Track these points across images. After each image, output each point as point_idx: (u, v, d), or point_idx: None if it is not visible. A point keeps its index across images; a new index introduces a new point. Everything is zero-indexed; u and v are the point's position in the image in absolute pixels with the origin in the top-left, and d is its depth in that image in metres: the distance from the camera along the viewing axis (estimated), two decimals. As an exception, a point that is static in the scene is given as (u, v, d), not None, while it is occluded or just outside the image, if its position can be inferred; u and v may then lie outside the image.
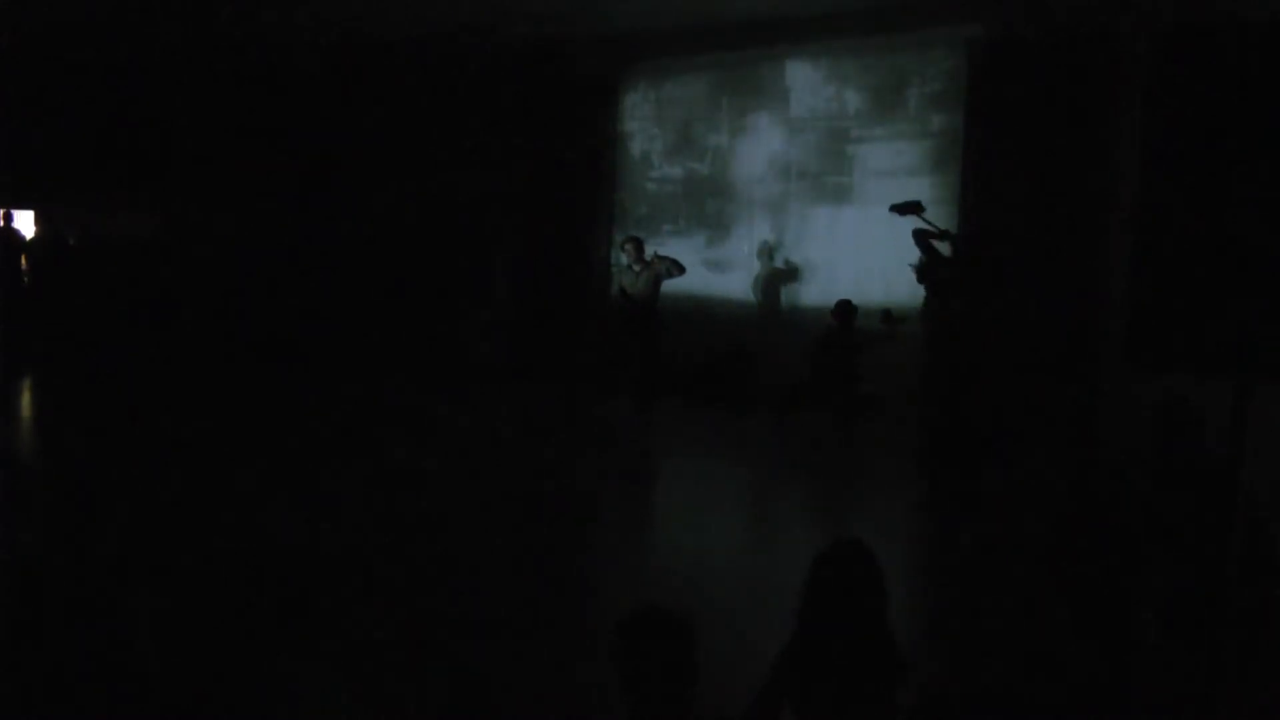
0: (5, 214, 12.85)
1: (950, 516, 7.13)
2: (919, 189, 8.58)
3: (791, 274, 11.23)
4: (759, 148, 11.49)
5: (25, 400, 10.58)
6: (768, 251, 11.41)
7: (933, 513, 7.37)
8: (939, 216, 8.95)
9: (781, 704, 3.07)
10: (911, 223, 8.61)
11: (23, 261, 12.93)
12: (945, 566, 6.17)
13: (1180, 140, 2.46)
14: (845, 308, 9.32)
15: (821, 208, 11.02)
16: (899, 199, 8.72)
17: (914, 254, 8.64)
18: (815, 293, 10.87)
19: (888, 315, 8.96)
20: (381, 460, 8.26)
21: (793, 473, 8.71)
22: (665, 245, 11.08)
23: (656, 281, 10.14)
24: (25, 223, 13.47)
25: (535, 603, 5.24)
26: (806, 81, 11.15)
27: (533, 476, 8.06)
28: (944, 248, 8.46)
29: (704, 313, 11.46)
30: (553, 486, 7.79)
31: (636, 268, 10.18)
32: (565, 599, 5.37)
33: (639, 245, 10.30)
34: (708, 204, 11.89)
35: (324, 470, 7.82)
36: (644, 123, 12.38)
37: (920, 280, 8.49)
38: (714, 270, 11.63)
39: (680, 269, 10.12)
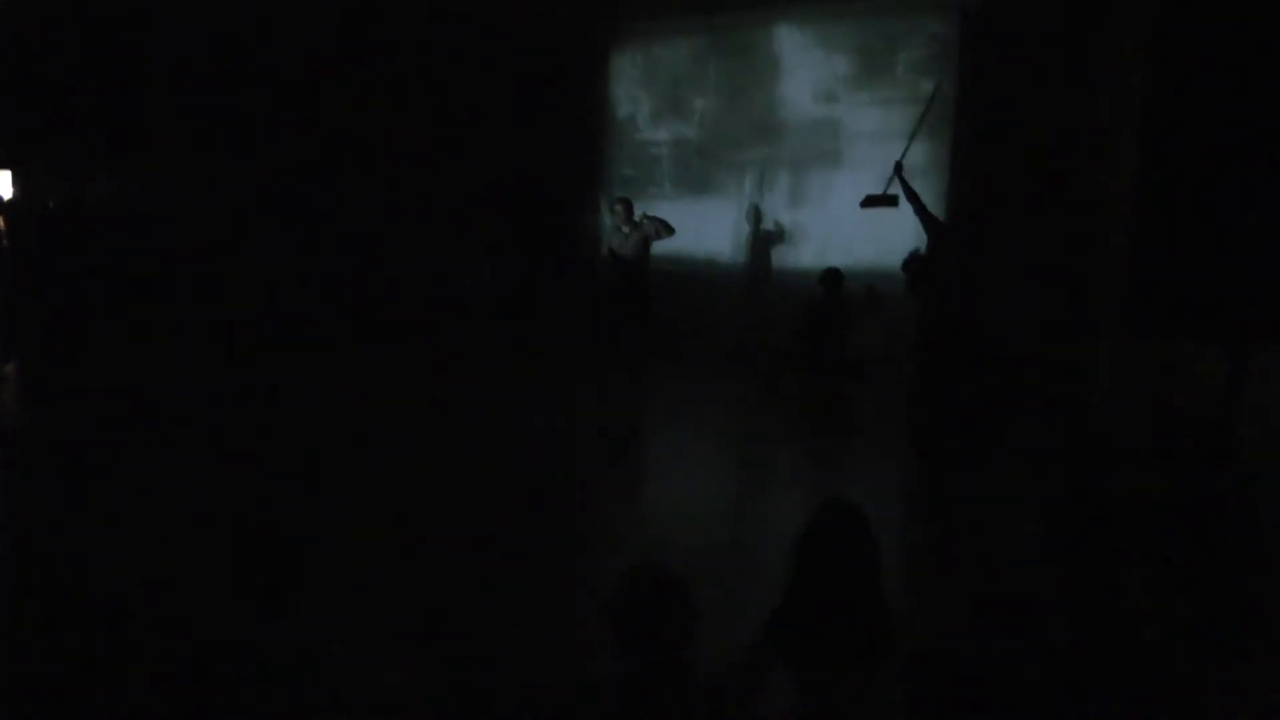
0: (-18, 174, 12.65)
1: (941, 484, 7.15)
2: (908, 154, 8.52)
3: (779, 236, 11.21)
4: (746, 110, 11.42)
5: (6, 369, 10.45)
6: (755, 214, 11.37)
7: (923, 480, 7.39)
8: (928, 184, 8.89)
9: (773, 664, 3.10)
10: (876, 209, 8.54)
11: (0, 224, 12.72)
12: (936, 533, 6.20)
13: (1185, 103, 2.44)
14: (832, 276, 9.31)
15: (810, 171, 11.00)
16: (887, 163, 8.58)
17: (901, 216, 8.57)
18: (804, 255, 10.89)
19: (871, 292, 8.93)
20: (371, 431, 8.21)
21: (783, 436, 8.74)
22: (653, 207, 11.03)
23: (645, 243, 10.13)
24: (3, 183, 13.26)
25: (531, 563, 5.27)
26: (795, 45, 11.08)
27: (524, 441, 8.05)
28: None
29: (692, 274, 11.44)
30: (544, 450, 7.78)
31: (625, 229, 10.16)
32: (561, 559, 5.41)
33: (628, 207, 10.28)
34: (695, 167, 11.86)
35: (312, 442, 7.77)
36: (631, 85, 12.29)
37: (903, 269, 8.41)
38: (702, 232, 11.58)
39: (669, 230, 10.12)
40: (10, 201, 13.09)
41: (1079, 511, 3.38)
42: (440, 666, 3.97)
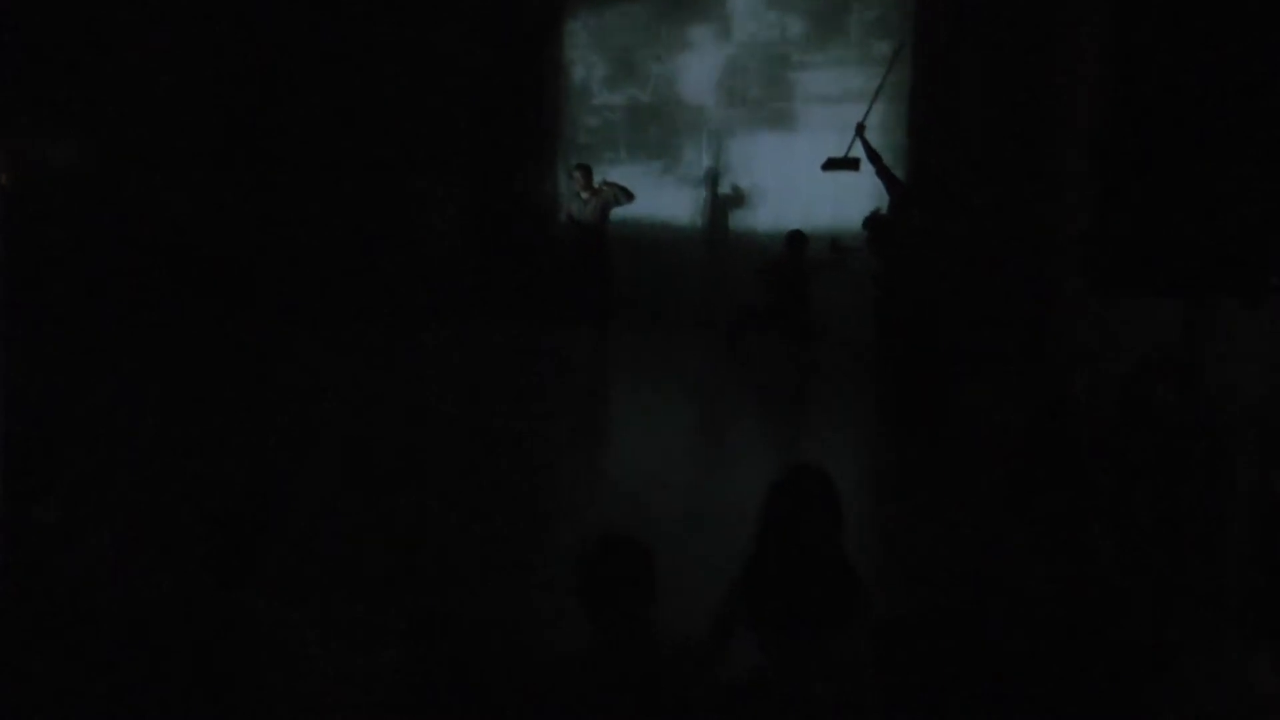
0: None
1: (906, 443, 7.19)
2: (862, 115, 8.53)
3: (737, 199, 11.21)
4: (701, 74, 11.40)
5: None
6: (713, 178, 11.35)
7: (888, 438, 7.43)
8: (885, 145, 8.87)
9: (738, 627, 3.11)
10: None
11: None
12: (900, 492, 6.25)
13: (1144, 57, 2.43)
14: (797, 238, 9.34)
15: (766, 134, 11.02)
16: (844, 124, 8.55)
17: (859, 180, 8.57)
18: (762, 218, 10.91)
19: (835, 244, 8.93)
20: (333, 396, 8.13)
21: (746, 397, 8.77)
22: (611, 173, 10.96)
23: (605, 208, 10.10)
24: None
25: (496, 530, 5.26)
26: (748, 6, 11.04)
27: (484, 405, 8.00)
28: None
29: (652, 239, 11.41)
30: (507, 415, 7.76)
31: (585, 195, 10.11)
32: (524, 525, 5.40)
33: (587, 172, 10.24)
34: (652, 131, 11.84)
35: (276, 407, 7.67)
36: (586, 50, 12.19)
37: (864, 227, 8.40)
38: (660, 197, 11.53)
39: (629, 196, 10.11)
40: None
41: (1042, 470, 3.41)
42: (403, 637, 3.95)
